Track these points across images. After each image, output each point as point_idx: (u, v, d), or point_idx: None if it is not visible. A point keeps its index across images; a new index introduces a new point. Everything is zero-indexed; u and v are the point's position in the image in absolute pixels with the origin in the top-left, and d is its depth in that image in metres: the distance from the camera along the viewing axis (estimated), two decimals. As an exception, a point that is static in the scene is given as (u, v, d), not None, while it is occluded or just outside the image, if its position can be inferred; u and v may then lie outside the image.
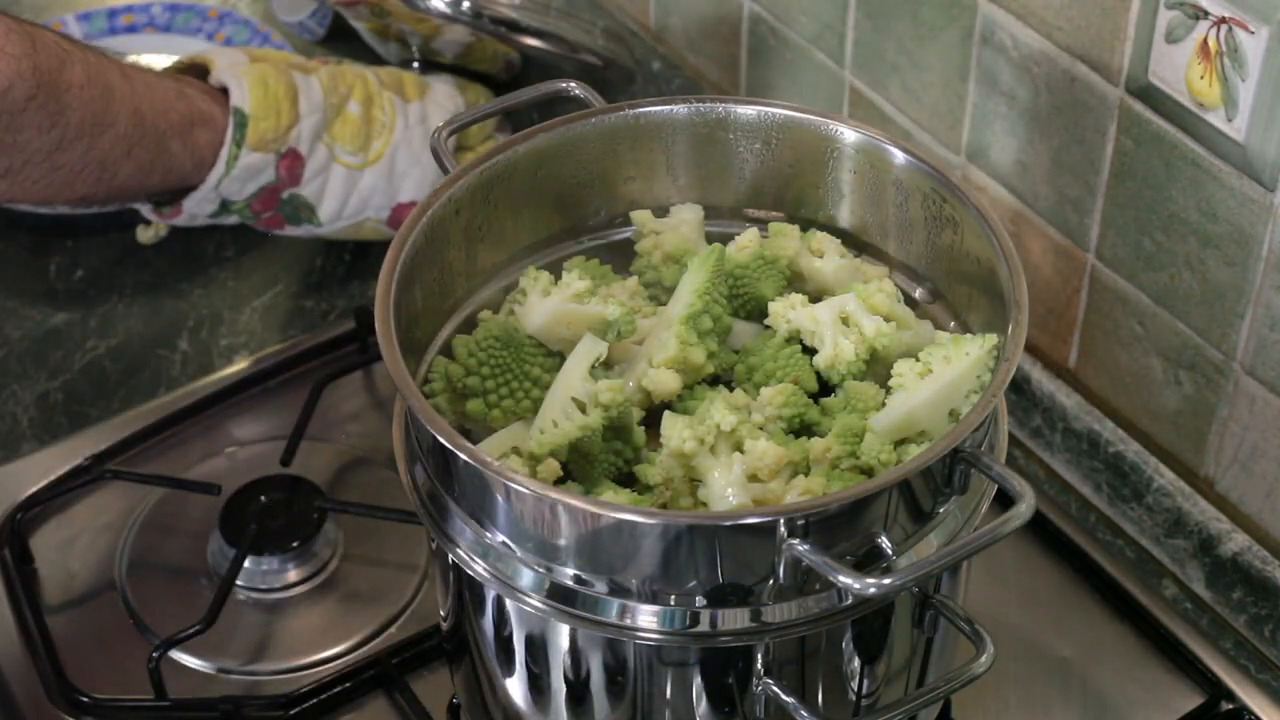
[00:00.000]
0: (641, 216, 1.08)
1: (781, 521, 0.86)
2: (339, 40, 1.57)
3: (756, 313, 1.05)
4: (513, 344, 0.99)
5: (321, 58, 1.38)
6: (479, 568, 0.93)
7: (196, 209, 1.30)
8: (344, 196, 1.33)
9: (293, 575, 1.21)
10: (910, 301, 1.06)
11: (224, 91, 1.29)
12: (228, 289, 1.42)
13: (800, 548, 0.86)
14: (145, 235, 1.35)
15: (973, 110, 1.24)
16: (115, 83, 1.21)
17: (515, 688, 1.00)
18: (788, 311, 1.02)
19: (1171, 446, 1.20)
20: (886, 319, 1.01)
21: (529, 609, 0.92)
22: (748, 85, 1.47)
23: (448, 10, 1.36)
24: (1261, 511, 1.15)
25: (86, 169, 1.21)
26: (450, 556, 0.94)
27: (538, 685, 0.98)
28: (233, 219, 1.32)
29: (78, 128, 1.18)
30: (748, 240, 1.06)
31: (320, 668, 1.16)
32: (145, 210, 1.32)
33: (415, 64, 1.45)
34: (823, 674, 0.96)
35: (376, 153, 1.33)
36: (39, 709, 1.14)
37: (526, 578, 0.91)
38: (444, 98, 1.39)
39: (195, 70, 1.33)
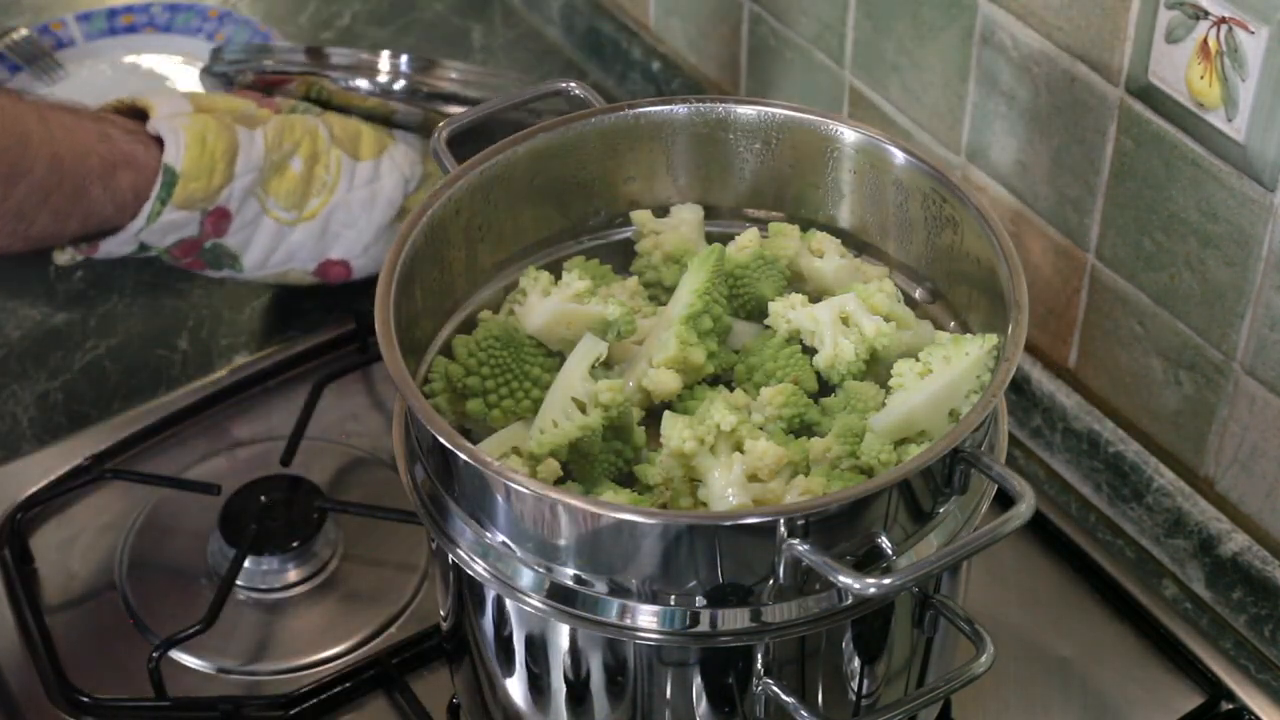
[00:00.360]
0: (641, 216, 1.08)
1: (781, 521, 0.86)
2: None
3: (756, 313, 1.05)
4: (513, 344, 0.99)
5: (276, 103, 1.32)
6: (479, 568, 0.93)
7: (115, 249, 1.25)
8: (270, 249, 1.29)
9: (293, 575, 1.21)
10: (910, 301, 1.06)
11: (159, 140, 1.24)
12: (228, 289, 1.42)
13: (800, 548, 0.86)
14: (61, 258, 1.27)
15: (973, 110, 1.24)
16: (32, 129, 1.16)
17: (515, 688, 1.00)
18: (788, 311, 1.02)
19: (1171, 446, 1.20)
20: (886, 319, 1.01)
21: (529, 609, 0.92)
22: (748, 85, 1.47)
23: (377, 91, 1.31)
24: (1261, 511, 1.15)
25: (1, 220, 1.16)
26: (450, 556, 0.94)
27: (538, 685, 0.98)
28: (152, 255, 1.28)
29: None
30: (748, 240, 1.06)
31: (320, 668, 1.16)
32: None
33: None
34: (823, 674, 0.96)
35: (312, 210, 1.29)
36: (39, 709, 1.14)
37: (526, 578, 0.91)
38: (403, 158, 1.33)
39: (134, 110, 1.27)
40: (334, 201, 1.30)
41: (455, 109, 1.32)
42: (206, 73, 1.37)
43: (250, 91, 1.33)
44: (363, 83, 1.31)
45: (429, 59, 1.33)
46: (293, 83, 1.33)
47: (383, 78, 1.31)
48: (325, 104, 1.34)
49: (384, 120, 1.35)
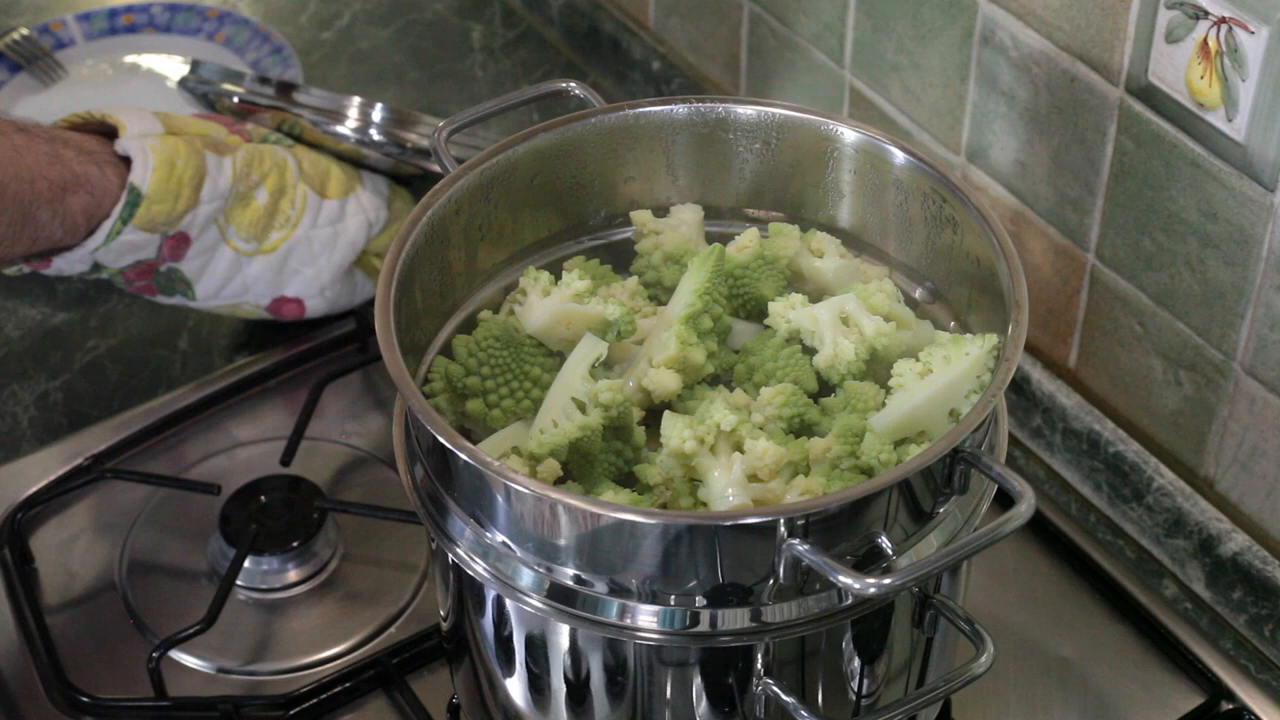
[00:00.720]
0: (641, 216, 1.08)
1: (781, 521, 0.86)
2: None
3: (756, 313, 1.05)
4: (513, 344, 0.99)
5: (248, 131, 1.30)
6: (479, 568, 0.93)
7: (66, 266, 1.23)
8: (226, 278, 1.28)
9: (293, 575, 1.21)
10: (910, 301, 1.06)
11: (118, 162, 1.22)
12: (228, 289, 1.42)
13: (800, 548, 0.86)
14: (9, 270, 1.25)
15: (973, 110, 1.24)
16: None
17: (515, 688, 1.00)
18: (788, 311, 1.02)
19: (1171, 446, 1.20)
20: (886, 319, 1.01)
21: (529, 609, 0.92)
22: (748, 85, 1.47)
23: (349, 138, 1.29)
24: (1261, 511, 1.15)
25: None
26: (450, 556, 0.94)
27: (538, 685, 0.98)
28: (104, 277, 1.26)
29: None
30: (748, 240, 1.06)
31: (320, 668, 1.16)
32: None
33: None
34: (823, 674, 0.96)
35: (272, 244, 1.27)
36: (39, 709, 1.14)
37: (526, 578, 0.91)
38: (369, 201, 1.32)
39: (101, 126, 1.25)
40: (295, 237, 1.28)
41: (429, 164, 1.30)
42: (181, 85, 1.36)
43: (221, 116, 1.32)
44: (336, 127, 1.29)
45: (404, 112, 1.30)
46: (267, 112, 1.31)
47: (352, 124, 1.29)
48: (296, 138, 1.32)
49: (353, 160, 1.33)
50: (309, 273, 1.30)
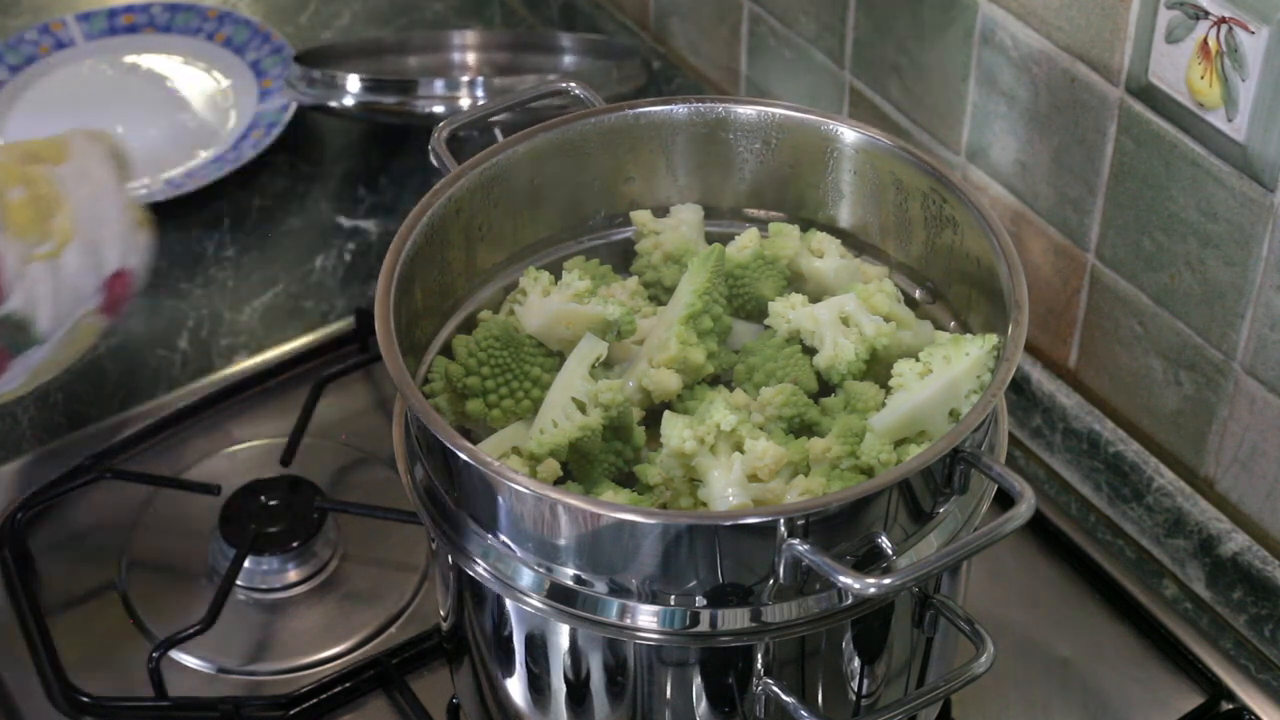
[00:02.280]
0: (641, 216, 1.08)
1: (781, 521, 0.86)
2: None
3: (756, 313, 1.05)
4: (513, 344, 0.99)
5: None
6: (479, 568, 0.93)
7: None
8: (54, 296, 1.12)
9: (293, 575, 1.21)
10: (910, 301, 1.06)
11: None
12: (228, 289, 1.42)
13: (800, 548, 0.86)
14: None
15: (973, 110, 1.24)
16: None
17: (515, 688, 1.00)
18: (788, 311, 1.02)
19: (1171, 446, 1.20)
20: (886, 319, 1.01)
21: (529, 609, 0.92)
22: (748, 85, 1.47)
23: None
24: (1261, 511, 1.15)
25: None
26: (450, 556, 0.94)
27: (538, 685, 0.98)
28: None
29: None
30: (748, 240, 1.06)
31: (320, 668, 1.16)
32: None
33: None
34: (823, 674, 0.96)
35: (62, 230, 1.13)
36: (39, 709, 1.14)
37: (526, 578, 0.91)
38: (84, 141, 1.18)
39: None
40: (74, 209, 1.14)
41: None
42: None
43: None
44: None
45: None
46: None
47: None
48: None
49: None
50: (108, 234, 1.16)
